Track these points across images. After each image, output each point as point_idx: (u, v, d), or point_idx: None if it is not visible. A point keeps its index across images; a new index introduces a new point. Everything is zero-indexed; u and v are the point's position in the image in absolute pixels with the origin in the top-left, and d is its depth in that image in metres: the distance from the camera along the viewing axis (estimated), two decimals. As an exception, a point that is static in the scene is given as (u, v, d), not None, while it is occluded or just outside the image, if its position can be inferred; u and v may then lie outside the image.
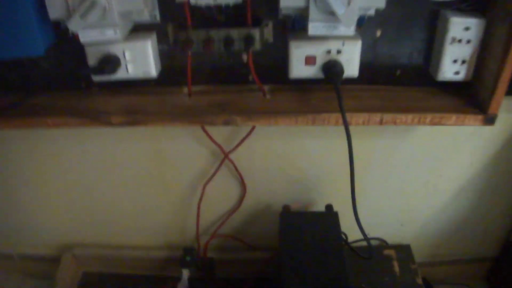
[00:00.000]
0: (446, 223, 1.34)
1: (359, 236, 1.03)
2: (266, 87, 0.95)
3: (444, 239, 1.40)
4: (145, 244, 1.43)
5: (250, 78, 0.95)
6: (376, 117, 0.89)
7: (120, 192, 1.28)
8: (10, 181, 1.29)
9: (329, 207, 1.18)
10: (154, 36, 0.91)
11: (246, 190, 1.23)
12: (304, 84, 0.96)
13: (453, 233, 1.37)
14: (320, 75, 0.89)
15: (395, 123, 0.89)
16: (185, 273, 1.25)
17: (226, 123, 0.89)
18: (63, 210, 1.36)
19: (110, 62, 0.88)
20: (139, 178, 1.24)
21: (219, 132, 1.09)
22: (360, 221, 0.98)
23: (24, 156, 1.22)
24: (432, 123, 0.89)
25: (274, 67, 0.94)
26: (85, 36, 0.82)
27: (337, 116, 0.88)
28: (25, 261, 1.51)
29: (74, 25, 0.77)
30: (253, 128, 1.07)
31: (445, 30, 0.86)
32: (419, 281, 1.25)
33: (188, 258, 1.28)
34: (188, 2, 0.80)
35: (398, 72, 0.96)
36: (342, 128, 0.85)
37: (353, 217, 0.97)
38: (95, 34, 0.82)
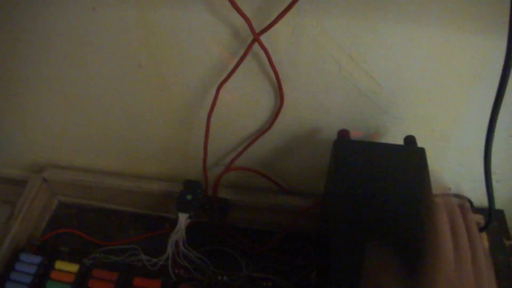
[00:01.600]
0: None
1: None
2: None
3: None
4: (136, 171, 1.07)
5: None
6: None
7: (101, 94, 0.90)
8: None
9: (410, 139, 0.77)
10: None
11: (284, 101, 0.80)
12: None
13: None
14: None
15: None
16: (183, 218, 0.86)
17: None
18: (34, 121, 1.01)
19: None
20: (124, 75, 0.84)
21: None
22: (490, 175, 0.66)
23: None
24: None
25: None
26: None
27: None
28: None
29: None
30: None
31: None
32: (518, 264, 0.90)
33: (189, 197, 0.89)
34: None
35: None
36: None
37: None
38: None
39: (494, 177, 0.89)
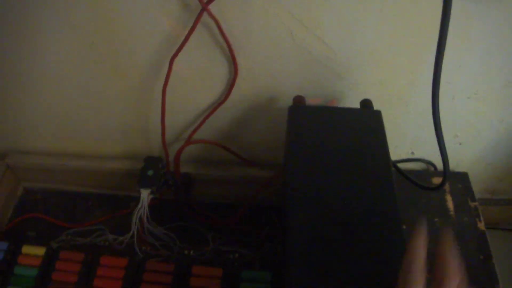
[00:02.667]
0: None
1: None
2: None
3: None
4: (98, 151, 1.05)
5: None
6: None
7: (56, 76, 0.88)
8: None
9: (366, 103, 0.77)
10: None
11: (238, 70, 0.80)
12: None
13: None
14: None
15: None
16: (145, 193, 0.86)
17: None
18: None
19: None
20: (77, 55, 0.82)
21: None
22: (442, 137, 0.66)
23: None
24: None
25: None
26: None
27: None
28: None
29: None
30: None
31: None
32: (481, 226, 0.93)
33: (150, 173, 0.89)
34: None
35: None
36: None
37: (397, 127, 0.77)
38: None
39: (456, 140, 0.91)
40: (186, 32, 0.73)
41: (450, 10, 0.52)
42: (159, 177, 0.89)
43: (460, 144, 0.96)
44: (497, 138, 0.95)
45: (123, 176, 1.01)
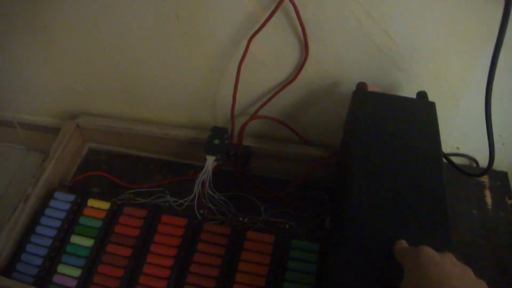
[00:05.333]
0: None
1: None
2: None
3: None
4: (164, 119, 1.14)
5: None
6: None
7: (137, 44, 0.96)
8: (9, 30, 1.02)
9: (422, 95, 0.82)
10: None
11: (308, 54, 0.86)
12: None
13: None
14: None
15: None
16: (210, 160, 0.93)
17: None
18: (68, 69, 1.08)
19: None
20: (162, 25, 0.90)
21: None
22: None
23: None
24: None
25: None
26: None
27: None
28: (28, 130, 1.30)
29: None
30: None
31: None
32: (517, 221, 0.97)
33: (216, 142, 0.96)
34: None
35: None
36: None
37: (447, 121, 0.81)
38: None
39: (500, 139, 0.95)
40: (266, 15, 0.80)
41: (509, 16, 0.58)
42: (224, 147, 0.96)
43: (503, 144, 1.00)
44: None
45: (185, 144, 1.08)
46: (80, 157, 1.17)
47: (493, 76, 0.67)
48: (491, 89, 0.68)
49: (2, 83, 1.19)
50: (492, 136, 0.73)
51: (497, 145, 0.96)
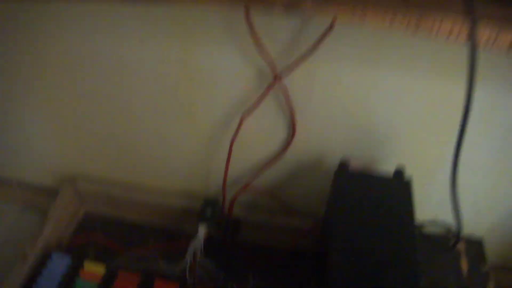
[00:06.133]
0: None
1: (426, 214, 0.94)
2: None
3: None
4: (159, 187, 1.19)
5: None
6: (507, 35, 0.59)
7: (136, 115, 1.03)
8: (11, 91, 1.08)
9: (399, 173, 0.89)
10: None
11: (296, 132, 0.94)
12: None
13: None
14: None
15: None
16: (202, 229, 0.99)
17: (289, 6, 0.60)
18: (68, 133, 1.14)
19: None
20: (161, 97, 0.97)
21: (272, 40, 0.81)
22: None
23: (27, 58, 0.99)
24: None
25: None
26: None
27: (454, 21, 0.60)
28: (25, 190, 1.35)
29: None
30: (321, 36, 0.76)
31: None
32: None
33: (208, 213, 1.01)
34: None
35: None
36: (442, 58, 0.73)
37: (424, 190, 0.89)
38: None
39: (474, 207, 1.02)
40: (258, 95, 0.88)
41: (471, 103, 0.65)
42: (215, 218, 1.02)
43: (478, 211, 1.06)
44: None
45: (178, 212, 1.14)
46: (77, 220, 1.22)
47: (459, 152, 0.73)
48: (457, 165, 0.74)
49: (1, 143, 1.25)
50: (458, 209, 0.80)
51: (471, 213, 1.04)
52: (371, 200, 0.82)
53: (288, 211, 1.11)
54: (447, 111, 0.84)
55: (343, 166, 0.89)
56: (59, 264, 1.05)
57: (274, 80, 0.84)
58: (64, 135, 1.15)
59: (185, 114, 0.99)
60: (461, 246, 1.07)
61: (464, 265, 1.04)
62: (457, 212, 0.80)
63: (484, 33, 0.60)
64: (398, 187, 0.86)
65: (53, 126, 1.14)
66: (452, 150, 0.89)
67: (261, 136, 0.98)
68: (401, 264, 0.73)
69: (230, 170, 1.01)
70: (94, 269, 1.04)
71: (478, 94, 0.70)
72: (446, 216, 1.06)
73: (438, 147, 0.91)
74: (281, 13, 0.64)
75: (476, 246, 1.09)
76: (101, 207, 1.22)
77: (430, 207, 1.05)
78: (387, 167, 0.92)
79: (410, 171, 0.88)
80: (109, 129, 1.09)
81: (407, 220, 0.79)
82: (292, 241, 1.08)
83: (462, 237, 1.06)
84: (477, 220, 1.08)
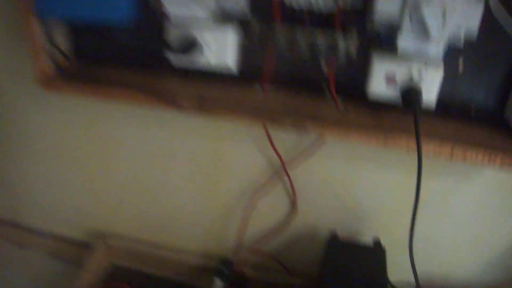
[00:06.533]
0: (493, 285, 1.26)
1: (400, 277, 1.10)
2: (340, 101, 0.93)
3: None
4: (180, 246, 1.40)
5: (326, 88, 0.93)
6: (447, 147, 0.86)
7: (167, 186, 1.28)
8: (56, 153, 1.33)
9: (377, 243, 1.13)
10: (237, 28, 0.91)
11: (297, 208, 1.20)
12: (379, 106, 0.93)
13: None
14: (398, 100, 0.86)
15: (465, 158, 0.85)
16: (218, 283, 1.21)
17: (295, 125, 0.87)
18: (104, 194, 1.37)
19: (191, 44, 0.88)
20: (190, 174, 1.23)
21: (281, 141, 1.08)
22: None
23: (75, 129, 1.25)
24: (502, 163, 0.84)
25: (351, 85, 0.93)
26: (175, 10, 0.84)
27: (408, 141, 0.86)
28: (55, 241, 1.52)
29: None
30: (319, 142, 1.04)
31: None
32: None
33: (225, 270, 1.24)
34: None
35: (473, 110, 0.92)
36: (406, 160, 0.99)
37: (399, 257, 1.04)
38: (184, 10, 0.83)
39: (441, 276, 1.25)
40: (268, 178, 1.15)
41: (419, 191, 0.88)
42: (229, 274, 1.24)
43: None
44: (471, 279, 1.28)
45: (195, 268, 1.36)
46: (105, 271, 1.39)
47: (414, 226, 0.95)
48: (412, 236, 0.97)
49: (34, 197, 1.45)
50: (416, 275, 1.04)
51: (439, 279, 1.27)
52: (354, 263, 1.05)
53: (289, 271, 1.34)
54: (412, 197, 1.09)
55: (333, 236, 1.13)
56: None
57: (281, 168, 1.11)
58: (98, 194, 1.37)
59: (209, 188, 1.24)
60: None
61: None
62: (415, 273, 1.04)
63: (429, 147, 0.86)
64: (376, 254, 1.08)
65: (89, 185, 1.37)
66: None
67: (269, 211, 1.23)
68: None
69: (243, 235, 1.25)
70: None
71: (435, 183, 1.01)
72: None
73: (406, 225, 1.15)
74: (290, 129, 0.90)
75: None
76: (127, 261, 1.40)
77: (403, 271, 1.21)
78: (368, 238, 1.16)
79: (386, 241, 1.11)
80: (142, 196, 1.32)
81: (380, 281, 1.02)
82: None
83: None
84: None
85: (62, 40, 1.01)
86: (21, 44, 1.13)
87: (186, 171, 1.23)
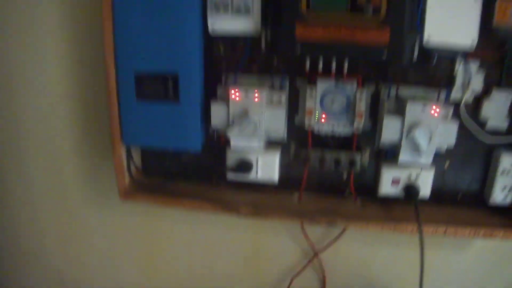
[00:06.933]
0: None
1: None
2: (358, 200, 1.24)
3: None
4: None
5: (347, 192, 1.24)
6: (441, 229, 1.15)
7: (216, 278, 1.54)
8: (119, 254, 1.59)
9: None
10: (280, 150, 1.23)
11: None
12: (387, 201, 1.23)
13: None
14: (401, 195, 1.17)
15: (456, 234, 1.14)
16: None
17: (329, 222, 1.17)
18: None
19: (246, 166, 1.20)
20: (234, 267, 1.49)
21: (313, 233, 1.36)
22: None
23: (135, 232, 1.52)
24: (485, 235, 1.13)
25: (366, 187, 1.24)
26: (236, 142, 1.16)
27: (413, 226, 1.15)
28: None
29: (232, 133, 1.11)
30: (344, 231, 1.32)
31: (497, 164, 1.14)
32: None
33: None
34: (312, 130, 1.14)
35: (459, 195, 1.22)
36: (410, 241, 1.19)
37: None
38: (244, 142, 1.15)
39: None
40: (304, 264, 1.42)
41: (423, 264, 1.19)
42: None
43: None
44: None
45: None
46: None
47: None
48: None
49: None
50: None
51: None
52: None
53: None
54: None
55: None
56: None
57: (314, 256, 1.40)
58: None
59: (249, 272, 1.50)
60: None
61: None
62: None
63: (428, 229, 1.15)
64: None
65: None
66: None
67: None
68: None
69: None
70: None
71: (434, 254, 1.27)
72: None
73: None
74: (323, 224, 1.20)
75: None
76: None
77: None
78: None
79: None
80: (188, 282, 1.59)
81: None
82: None
83: None
84: None
85: (136, 158, 1.32)
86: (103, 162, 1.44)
87: (231, 264, 1.49)
